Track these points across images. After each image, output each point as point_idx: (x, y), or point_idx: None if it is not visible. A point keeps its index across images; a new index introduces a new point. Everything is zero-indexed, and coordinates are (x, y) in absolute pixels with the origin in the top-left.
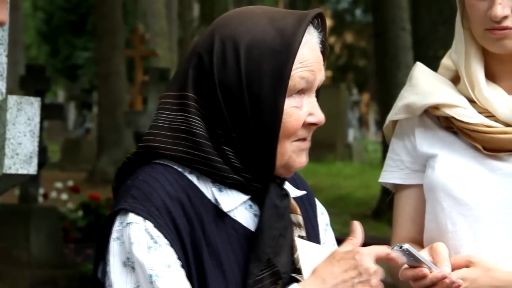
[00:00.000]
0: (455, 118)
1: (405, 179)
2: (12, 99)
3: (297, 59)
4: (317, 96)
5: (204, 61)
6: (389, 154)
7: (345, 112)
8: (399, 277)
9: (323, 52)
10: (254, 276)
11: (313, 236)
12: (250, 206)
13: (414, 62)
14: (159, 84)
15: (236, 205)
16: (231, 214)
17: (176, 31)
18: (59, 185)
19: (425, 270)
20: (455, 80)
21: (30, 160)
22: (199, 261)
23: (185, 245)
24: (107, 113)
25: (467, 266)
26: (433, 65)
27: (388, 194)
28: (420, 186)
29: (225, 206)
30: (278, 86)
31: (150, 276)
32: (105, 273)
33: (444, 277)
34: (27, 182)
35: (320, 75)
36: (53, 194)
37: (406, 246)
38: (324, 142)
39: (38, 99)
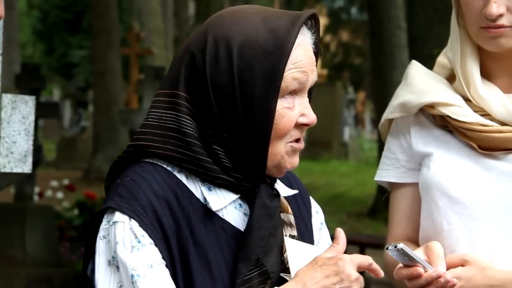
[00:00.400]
0: (450, 117)
1: (401, 177)
2: (7, 98)
3: (290, 60)
4: (309, 96)
5: (197, 60)
6: (384, 153)
7: (341, 111)
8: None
9: (316, 53)
10: (243, 275)
11: (306, 235)
12: (240, 205)
13: (410, 60)
14: (155, 82)
15: (225, 204)
16: (220, 213)
17: (171, 29)
18: (54, 183)
19: (420, 270)
20: (451, 78)
21: (25, 158)
22: (185, 260)
23: (170, 245)
24: (103, 111)
25: (462, 265)
26: (429, 63)
27: (384, 193)
28: (415, 185)
29: (213, 205)
30: (270, 87)
31: (132, 276)
32: (93, 271)
33: (439, 276)
34: (22, 180)
35: (312, 75)
36: (49, 193)
37: (401, 245)
38: (320, 141)
39: (33, 97)
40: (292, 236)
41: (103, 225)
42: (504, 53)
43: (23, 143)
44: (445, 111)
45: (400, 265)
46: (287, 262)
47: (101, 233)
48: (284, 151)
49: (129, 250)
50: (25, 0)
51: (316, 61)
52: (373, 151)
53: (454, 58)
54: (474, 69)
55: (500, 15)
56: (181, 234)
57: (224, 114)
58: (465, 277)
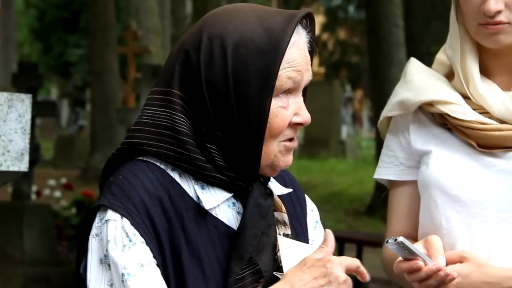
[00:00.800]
0: (449, 115)
1: (400, 175)
2: (3, 96)
3: (284, 59)
4: (304, 96)
5: (191, 58)
6: (383, 150)
7: (339, 109)
8: (393, 270)
9: (311, 52)
10: (235, 274)
11: (301, 233)
12: (234, 203)
13: (407, 58)
14: (152, 81)
15: (218, 203)
16: (213, 212)
17: (169, 28)
18: (52, 182)
19: (420, 263)
20: (450, 75)
21: (22, 157)
22: (177, 259)
23: (162, 244)
24: (100, 110)
25: (460, 262)
26: (426, 61)
27: (382, 191)
28: (414, 183)
29: (206, 204)
30: (265, 86)
31: (123, 274)
32: (86, 269)
33: (439, 270)
34: (20, 179)
35: (307, 75)
36: (46, 192)
37: (401, 239)
38: (318, 139)
39: (29, 96)
40: (286, 235)
41: (96, 223)
42: (503, 50)
43: (20, 142)
44: (444, 109)
45: (400, 258)
46: (280, 261)
47: (93, 231)
48: (277, 150)
49: (120, 249)
50: None
51: (311, 60)
52: (371, 149)
53: (454, 55)
54: (473, 67)
55: (499, 12)
56: (173, 233)
57: (218, 113)
58: (463, 273)
